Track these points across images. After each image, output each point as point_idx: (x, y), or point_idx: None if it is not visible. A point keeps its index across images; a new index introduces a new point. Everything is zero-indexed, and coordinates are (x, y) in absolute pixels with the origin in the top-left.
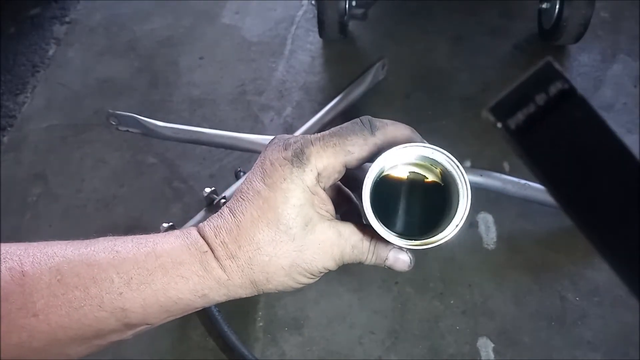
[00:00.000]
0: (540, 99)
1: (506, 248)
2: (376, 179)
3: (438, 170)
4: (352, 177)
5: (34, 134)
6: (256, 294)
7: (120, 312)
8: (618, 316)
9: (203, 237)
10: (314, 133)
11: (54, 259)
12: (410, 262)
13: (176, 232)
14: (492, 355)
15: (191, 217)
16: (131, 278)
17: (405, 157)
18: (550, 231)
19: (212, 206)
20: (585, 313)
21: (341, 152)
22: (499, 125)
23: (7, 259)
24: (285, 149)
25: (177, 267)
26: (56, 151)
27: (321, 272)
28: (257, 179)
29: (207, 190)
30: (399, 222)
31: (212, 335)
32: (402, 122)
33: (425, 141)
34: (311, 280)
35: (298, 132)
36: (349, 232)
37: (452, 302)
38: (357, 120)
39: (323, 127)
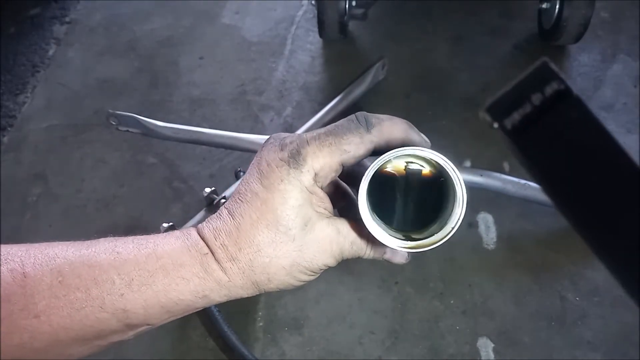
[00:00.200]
0: (536, 99)
1: (506, 248)
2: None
3: (434, 163)
4: (349, 172)
5: (34, 134)
6: (257, 293)
7: (121, 313)
8: (618, 316)
9: (203, 239)
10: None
11: (55, 261)
12: (408, 255)
13: (176, 232)
14: (492, 355)
15: (191, 217)
16: (132, 279)
17: (402, 157)
18: (550, 231)
19: (212, 206)
20: (585, 313)
21: (337, 151)
22: (496, 125)
23: (8, 260)
24: (282, 150)
25: (178, 269)
26: (56, 151)
27: (321, 269)
28: (254, 180)
29: (207, 190)
30: (395, 216)
31: (212, 335)
32: None
33: (421, 134)
34: (312, 278)
35: (299, 132)
36: (347, 229)
37: (452, 302)
38: (352, 117)
39: (323, 127)
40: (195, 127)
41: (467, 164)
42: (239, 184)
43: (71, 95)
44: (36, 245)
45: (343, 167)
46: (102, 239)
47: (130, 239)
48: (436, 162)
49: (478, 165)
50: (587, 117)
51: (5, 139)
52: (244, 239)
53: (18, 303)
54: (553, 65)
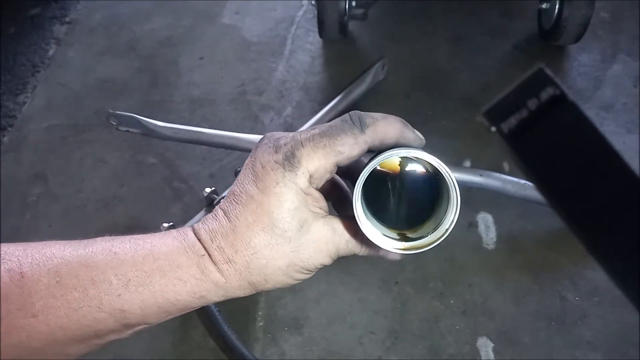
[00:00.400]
0: (532, 103)
1: (506, 248)
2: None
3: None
4: (344, 167)
5: (34, 134)
6: (254, 292)
7: (119, 313)
8: (618, 316)
9: (199, 240)
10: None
11: (52, 261)
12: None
13: (173, 232)
14: (492, 355)
15: (191, 217)
16: (129, 280)
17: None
18: (550, 231)
19: (212, 206)
20: (585, 313)
21: (332, 152)
22: (493, 129)
23: (5, 260)
24: (276, 152)
25: (175, 270)
26: (56, 151)
27: (317, 268)
28: (249, 182)
29: (207, 190)
30: (390, 214)
31: (212, 335)
32: None
33: (415, 131)
34: (308, 276)
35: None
36: (342, 228)
37: (452, 302)
38: (346, 117)
39: (317, 126)
40: (195, 127)
41: (467, 164)
42: (233, 185)
43: (71, 95)
44: (33, 244)
45: (338, 167)
46: (99, 239)
47: (127, 238)
48: (431, 165)
49: (478, 165)
50: (582, 121)
51: (5, 139)
52: (240, 241)
53: (15, 303)
54: (549, 71)
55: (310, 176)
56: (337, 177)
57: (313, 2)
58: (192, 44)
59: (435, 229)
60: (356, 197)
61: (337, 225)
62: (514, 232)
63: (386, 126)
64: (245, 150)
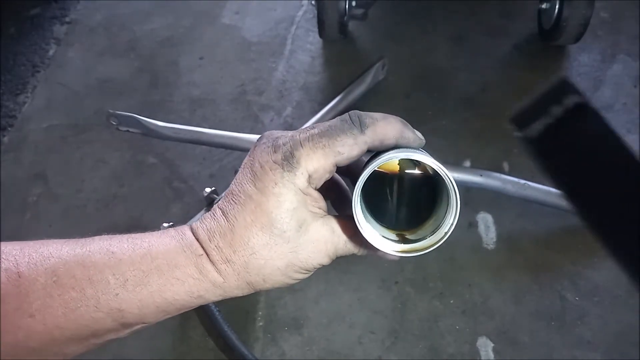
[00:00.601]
0: (557, 110)
1: (506, 248)
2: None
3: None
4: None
5: (34, 134)
6: (252, 292)
7: (116, 313)
8: (618, 316)
9: (197, 240)
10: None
11: (49, 260)
12: None
13: (171, 231)
14: (491, 355)
15: (191, 217)
16: (127, 279)
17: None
18: (550, 231)
19: (212, 206)
20: (585, 313)
21: (331, 153)
22: (519, 134)
23: (3, 260)
24: (275, 152)
25: (173, 270)
26: (56, 151)
27: (316, 268)
28: (247, 181)
29: (208, 190)
30: (390, 215)
31: (211, 335)
32: None
33: (415, 131)
34: (306, 276)
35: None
36: (341, 228)
37: (451, 301)
38: (346, 117)
39: (316, 125)
40: (195, 127)
41: (467, 164)
42: (232, 184)
43: (71, 95)
44: (31, 243)
45: (337, 167)
46: (96, 238)
47: (125, 237)
48: (431, 167)
49: (478, 165)
50: (604, 128)
51: (5, 139)
52: (239, 241)
53: (12, 302)
54: (572, 81)
55: (309, 176)
56: (337, 177)
57: (313, 2)
58: (192, 44)
59: (434, 231)
60: (355, 198)
61: (336, 225)
62: (513, 232)
63: (386, 126)
64: (245, 150)
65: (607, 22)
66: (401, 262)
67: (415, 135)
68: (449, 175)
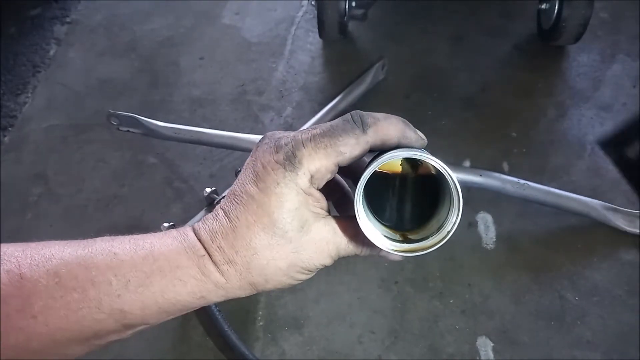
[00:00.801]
0: None
1: (505, 248)
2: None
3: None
4: (345, 167)
5: (34, 134)
6: (254, 293)
7: (118, 314)
8: (617, 316)
9: (199, 240)
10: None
11: (51, 262)
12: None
13: (173, 232)
14: (491, 355)
15: (191, 217)
16: (129, 280)
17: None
18: (550, 231)
19: (212, 206)
20: (585, 313)
21: (333, 153)
22: (614, 159)
23: (4, 261)
24: (277, 152)
25: (175, 271)
26: (57, 151)
27: (318, 268)
28: (249, 181)
29: (208, 190)
30: (392, 214)
31: (212, 335)
32: None
33: (417, 131)
34: (308, 276)
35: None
36: (343, 228)
37: (451, 301)
38: (348, 117)
39: (318, 125)
40: (195, 127)
41: (467, 164)
42: (234, 184)
43: (72, 96)
44: (33, 245)
45: (339, 167)
46: (98, 239)
47: (127, 238)
48: (433, 166)
49: (478, 165)
50: None
51: (6, 139)
52: (241, 242)
53: (14, 304)
54: None
55: (311, 176)
56: (338, 177)
57: (313, 2)
58: (193, 44)
59: (436, 231)
60: (357, 198)
61: (337, 225)
62: (513, 232)
63: (388, 126)
64: (245, 150)
65: (606, 22)
66: (401, 261)
67: (417, 136)
68: (452, 175)
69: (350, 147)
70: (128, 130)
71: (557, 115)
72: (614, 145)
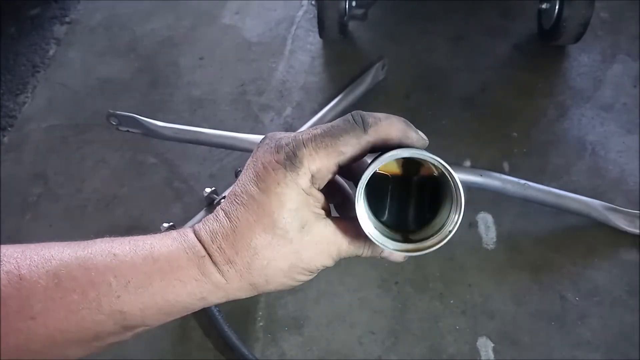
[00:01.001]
0: None
1: (506, 248)
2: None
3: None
4: (345, 167)
5: (34, 134)
6: (255, 294)
7: (118, 315)
8: (618, 316)
9: (200, 241)
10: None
11: (51, 263)
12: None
13: (173, 233)
14: (491, 355)
15: (191, 217)
16: (129, 282)
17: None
18: (550, 231)
19: (212, 206)
20: (585, 313)
21: (334, 153)
22: None
23: (4, 263)
24: (277, 152)
25: (175, 271)
26: (57, 151)
27: (319, 269)
28: (250, 182)
29: (208, 190)
30: (393, 215)
31: (211, 335)
32: None
33: (418, 132)
34: (309, 277)
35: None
36: (344, 229)
37: (451, 302)
38: (348, 117)
39: (319, 125)
40: (195, 127)
41: (467, 163)
42: (235, 185)
43: (71, 96)
44: (32, 246)
45: (340, 167)
46: (98, 240)
47: (127, 239)
48: (435, 165)
49: (478, 165)
50: None
51: (5, 139)
52: (241, 242)
53: (14, 305)
54: None
55: (312, 176)
56: (339, 178)
57: (313, 2)
58: (193, 44)
59: (438, 231)
60: (358, 198)
61: (338, 226)
62: (513, 232)
63: (389, 126)
64: (245, 150)
65: (607, 22)
66: (401, 262)
67: (418, 136)
68: (454, 174)
69: (351, 147)
70: (128, 130)
71: (558, 115)
72: None
